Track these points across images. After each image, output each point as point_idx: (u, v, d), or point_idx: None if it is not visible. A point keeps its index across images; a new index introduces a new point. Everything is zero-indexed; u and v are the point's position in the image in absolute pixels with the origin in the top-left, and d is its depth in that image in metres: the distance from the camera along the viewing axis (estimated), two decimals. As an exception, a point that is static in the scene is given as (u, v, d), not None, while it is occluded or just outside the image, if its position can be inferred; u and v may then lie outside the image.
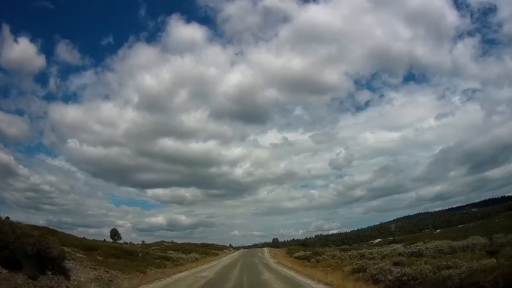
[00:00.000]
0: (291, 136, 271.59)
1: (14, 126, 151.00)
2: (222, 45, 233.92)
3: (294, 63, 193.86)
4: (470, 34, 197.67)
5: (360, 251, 29.70)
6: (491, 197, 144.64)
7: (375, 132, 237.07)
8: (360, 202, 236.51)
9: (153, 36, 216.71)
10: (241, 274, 18.64)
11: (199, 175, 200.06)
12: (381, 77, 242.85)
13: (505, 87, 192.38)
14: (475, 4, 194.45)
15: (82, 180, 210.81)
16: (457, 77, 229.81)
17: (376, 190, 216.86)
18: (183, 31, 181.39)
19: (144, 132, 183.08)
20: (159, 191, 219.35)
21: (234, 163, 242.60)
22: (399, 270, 12.96)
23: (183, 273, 20.01)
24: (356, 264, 20.10)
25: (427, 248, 23.63)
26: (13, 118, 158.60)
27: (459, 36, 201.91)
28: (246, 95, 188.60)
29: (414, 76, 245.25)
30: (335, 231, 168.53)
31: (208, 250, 54.98)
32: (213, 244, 76.15)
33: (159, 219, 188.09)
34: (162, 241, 76.98)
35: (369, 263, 19.36)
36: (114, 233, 44.14)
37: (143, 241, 73.85)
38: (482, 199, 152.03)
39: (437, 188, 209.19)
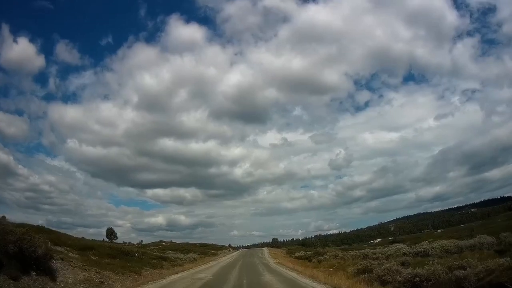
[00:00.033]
0: (290, 136, 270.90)
1: (14, 126, 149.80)
2: (221, 45, 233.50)
3: (294, 63, 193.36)
4: (469, 34, 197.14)
5: (363, 251, 28.95)
6: (491, 198, 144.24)
7: (374, 132, 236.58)
8: (359, 203, 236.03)
9: (153, 36, 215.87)
10: (240, 276, 17.79)
11: (199, 175, 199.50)
12: (381, 78, 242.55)
13: (505, 87, 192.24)
14: (474, 4, 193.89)
15: (82, 180, 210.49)
16: (457, 77, 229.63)
17: (375, 190, 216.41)
18: (183, 31, 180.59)
19: (144, 132, 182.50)
20: (159, 191, 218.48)
21: (233, 163, 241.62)
22: (409, 270, 12.17)
23: (179, 274, 19.14)
24: (361, 264, 19.37)
25: (433, 248, 22.89)
26: (13, 118, 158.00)
27: (459, 36, 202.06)
28: (245, 95, 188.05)
29: (414, 76, 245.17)
30: (334, 231, 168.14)
31: (207, 250, 54.20)
32: (212, 244, 75.46)
33: (159, 219, 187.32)
34: (161, 241, 76.27)
35: (374, 264, 18.63)
36: (110, 233, 43.17)
37: (141, 241, 73.22)
38: (482, 199, 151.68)
39: (436, 188, 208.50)
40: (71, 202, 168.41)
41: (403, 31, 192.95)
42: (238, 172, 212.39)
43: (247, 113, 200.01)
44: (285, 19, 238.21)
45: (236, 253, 61.72)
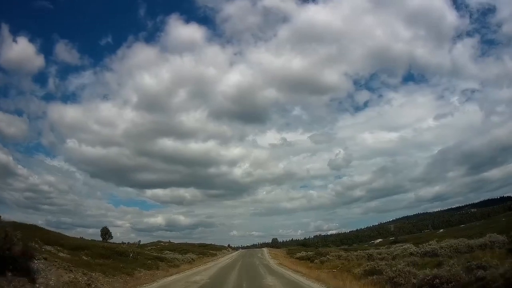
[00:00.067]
0: (290, 136, 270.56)
1: (13, 126, 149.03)
2: (221, 45, 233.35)
3: (294, 63, 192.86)
4: (469, 34, 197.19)
5: (367, 251, 27.95)
6: (490, 198, 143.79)
7: (374, 132, 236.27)
8: (359, 203, 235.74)
9: (152, 36, 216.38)
10: (239, 279, 16.54)
11: (198, 175, 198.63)
12: (380, 78, 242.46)
13: (504, 88, 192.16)
14: (474, 5, 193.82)
15: (81, 180, 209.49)
16: (456, 77, 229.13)
17: (375, 190, 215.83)
18: (182, 31, 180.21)
19: (143, 132, 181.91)
20: (158, 191, 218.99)
21: (233, 163, 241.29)
22: (428, 272, 11.17)
23: (174, 277, 17.90)
24: (367, 265, 18.33)
25: (442, 248, 21.88)
26: (12, 118, 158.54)
27: (458, 36, 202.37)
28: (245, 95, 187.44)
29: (413, 76, 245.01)
30: (334, 232, 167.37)
31: (206, 251, 53.15)
32: (211, 244, 74.39)
33: (158, 219, 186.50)
34: (159, 241, 75.22)
35: (381, 264, 17.61)
36: (105, 232, 41.92)
37: (139, 241, 72.16)
38: (481, 199, 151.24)
39: (436, 188, 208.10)
40: (71, 202, 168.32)
41: (403, 31, 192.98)
42: (238, 172, 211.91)
43: (247, 113, 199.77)
44: (284, 19, 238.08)
45: (235, 253, 60.65)
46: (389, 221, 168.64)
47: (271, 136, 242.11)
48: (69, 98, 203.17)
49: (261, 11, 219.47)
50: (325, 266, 24.56)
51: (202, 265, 28.68)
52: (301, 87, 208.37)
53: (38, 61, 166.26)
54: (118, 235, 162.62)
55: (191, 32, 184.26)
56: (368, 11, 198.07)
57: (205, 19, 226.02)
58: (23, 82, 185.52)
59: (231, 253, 63.03)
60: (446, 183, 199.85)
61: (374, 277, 15.37)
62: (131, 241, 68.90)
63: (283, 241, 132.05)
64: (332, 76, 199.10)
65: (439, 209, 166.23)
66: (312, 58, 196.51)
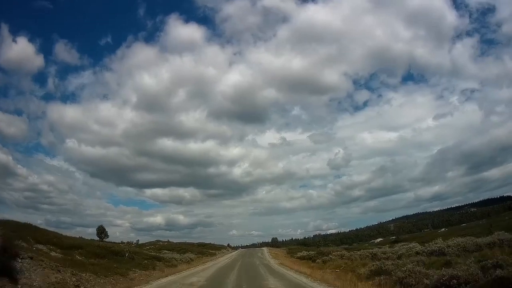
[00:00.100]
0: (289, 136, 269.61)
1: (13, 126, 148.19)
2: (220, 45, 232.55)
3: (293, 63, 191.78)
4: (469, 34, 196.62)
5: (371, 250, 27.23)
6: (490, 197, 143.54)
7: (373, 132, 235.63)
8: (358, 202, 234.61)
9: (152, 36, 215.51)
10: (239, 280, 15.60)
11: (198, 175, 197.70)
12: (380, 77, 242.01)
13: (504, 87, 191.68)
14: (474, 4, 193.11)
15: (81, 180, 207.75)
16: (456, 77, 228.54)
17: (374, 190, 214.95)
18: (182, 31, 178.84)
19: (143, 132, 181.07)
20: (158, 191, 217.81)
21: (232, 163, 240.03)
22: (444, 272, 10.44)
23: (169, 278, 16.82)
24: (373, 265, 17.58)
25: (449, 246, 21.14)
26: (12, 118, 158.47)
27: (458, 36, 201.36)
28: (245, 95, 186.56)
29: (413, 76, 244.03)
30: (333, 231, 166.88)
31: (205, 250, 52.41)
32: (210, 243, 73.63)
33: (158, 219, 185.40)
34: (158, 241, 74.60)
35: (387, 264, 16.87)
36: (101, 231, 40.95)
37: (137, 240, 71.45)
38: (481, 199, 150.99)
39: (435, 188, 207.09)
40: (70, 202, 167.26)
41: (403, 31, 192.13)
42: (237, 171, 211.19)
43: (246, 113, 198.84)
44: (284, 19, 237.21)
45: (235, 253, 59.91)
46: (389, 220, 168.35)
47: (270, 136, 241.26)
48: (69, 98, 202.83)
49: (261, 11, 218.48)
50: (327, 266, 23.84)
51: (200, 265, 27.73)
52: (300, 87, 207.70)
53: (38, 61, 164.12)
54: (118, 235, 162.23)
55: (190, 32, 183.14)
56: (368, 11, 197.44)
57: (205, 19, 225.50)
58: (23, 82, 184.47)
59: (231, 252, 62.28)
60: (446, 182, 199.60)
61: (382, 277, 14.65)
62: (131, 241, 68.41)
63: (282, 241, 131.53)
64: (332, 76, 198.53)
65: (438, 208, 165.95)
66: (311, 58, 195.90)
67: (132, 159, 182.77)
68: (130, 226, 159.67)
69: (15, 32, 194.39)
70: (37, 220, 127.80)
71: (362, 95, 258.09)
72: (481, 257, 14.54)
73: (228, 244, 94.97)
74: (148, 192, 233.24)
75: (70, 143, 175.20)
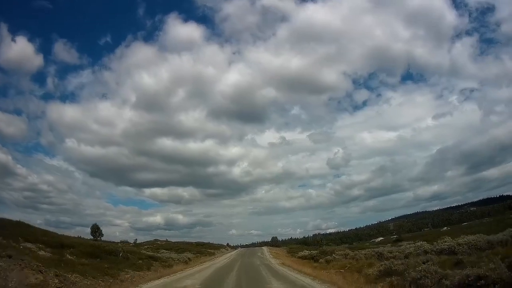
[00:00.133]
0: (289, 135, 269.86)
1: (12, 125, 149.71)
2: (220, 44, 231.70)
3: (293, 62, 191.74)
4: (468, 33, 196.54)
5: (376, 249, 26.28)
6: (489, 197, 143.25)
7: (372, 131, 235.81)
8: (357, 202, 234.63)
9: (151, 35, 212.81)
10: (238, 282, 14.45)
11: (197, 175, 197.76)
12: (379, 77, 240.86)
13: (503, 87, 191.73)
14: (473, 4, 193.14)
15: (80, 180, 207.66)
16: (455, 76, 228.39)
17: (374, 189, 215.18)
18: (181, 30, 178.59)
19: (142, 132, 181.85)
20: (157, 191, 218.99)
21: (232, 162, 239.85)
22: (468, 272, 9.46)
23: (161, 280, 15.55)
24: (382, 265, 16.58)
25: (459, 244, 20.17)
26: (11, 117, 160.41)
27: (457, 35, 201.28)
28: (244, 94, 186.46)
29: (412, 75, 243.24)
30: (332, 230, 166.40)
31: (203, 250, 51.43)
32: (208, 243, 72.69)
33: (157, 218, 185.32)
34: (156, 240, 73.71)
35: (397, 264, 15.89)
36: (95, 230, 39.72)
37: (135, 239, 70.56)
38: (480, 198, 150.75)
39: (435, 188, 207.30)
40: (70, 201, 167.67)
41: (402, 31, 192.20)
42: (236, 171, 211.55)
43: (246, 112, 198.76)
44: (283, 18, 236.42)
45: (234, 252, 58.88)
46: (388, 219, 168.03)
47: (270, 136, 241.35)
48: (68, 97, 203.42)
49: (260, 11, 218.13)
50: (331, 266, 22.88)
51: (198, 266, 26.42)
52: (300, 86, 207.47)
53: (37, 60, 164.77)
54: (117, 234, 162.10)
55: (190, 31, 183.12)
56: (367, 10, 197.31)
57: (204, 19, 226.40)
58: (22, 81, 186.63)
59: (230, 252, 61.26)
60: (445, 182, 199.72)
61: (393, 278, 13.67)
62: (130, 240, 67.53)
63: (282, 240, 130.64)
64: (331, 75, 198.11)
65: (438, 208, 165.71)
66: (311, 58, 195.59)
67: (131, 159, 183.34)
68: (129, 225, 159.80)
69: (14, 32, 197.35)
70: (36, 220, 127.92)
71: (362, 95, 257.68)
72: (495, 255, 13.63)
73: (228, 244, 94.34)
74: (148, 191, 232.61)
75: (70, 142, 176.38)
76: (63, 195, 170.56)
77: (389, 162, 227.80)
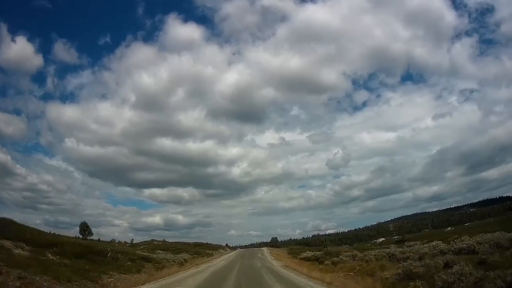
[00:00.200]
0: (288, 136, 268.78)
1: (12, 125, 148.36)
2: (219, 45, 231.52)
3: (292, 62, 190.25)
4: (468, 34, 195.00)
5: (387, 250, 24.69)
6: (489, 197, 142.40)
7: (372, 132, 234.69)
8: (356, 202, 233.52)
9: (151, 35, 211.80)
10: None
11: (197, 175, 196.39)
12: (379, 77, 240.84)
13: (503, 87, 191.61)
14: (473, 4, 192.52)
15: (79, 180, 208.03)
16: (455, 77, 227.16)
17: (373, 190, 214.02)
18: (181, 30, 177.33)
19: (141, 132, 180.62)
20: (156, 191, 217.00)
21: (231, 163, 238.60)
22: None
23: (145, 286, 13.22)
24: (400, 267, 14.91)
25: (479, 243, 18.59)
26: (11, 117, 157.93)
27: (457, 36, 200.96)
28: (243, 94, 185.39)
29: (412, 76, 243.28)
30: (332, 231, 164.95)
31: (201, 250, 49.64)
32: (207, 243, 70.94)
33: (156, 219, 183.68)
34: (153, 240, 72.26)
35: (416, 266, 14.27)
36: (84, 228, 37.67)
37: (132, 239, 69.19)
38: (479, 199, 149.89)
39: (434, 188, 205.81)
40: (69, 201, 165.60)
41: (402, 31, 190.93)
42: (236, 171, 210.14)
43: (245, 112, 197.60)
44: (283, 18, 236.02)
45: (233, 253, 57.08)
46: (387, 220, 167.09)
47: (269, 136, 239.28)
48: (68, 97, 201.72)
49: (260, 11, 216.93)
50: (339, 268, 21.19)
51: (193, 268, 24.14)
52: (299, 86, 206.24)
53: (37, 60, 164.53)
54: (116, 235, 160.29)
55: (189, 31, 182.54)
56: (366, 10, 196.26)
57: (204, 19, 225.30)
58: (22, 81, 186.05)
59: (229, 253, 59.47)
60: (444, 183, 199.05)
61: (417, 282, 12.00)
62: (129, 241, 66.03)
63: (281, 241, 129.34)
64: (331, 75, 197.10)
65: (437, 208, 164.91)
66: (310, 58, 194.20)
67: (130, 159, 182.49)
68: (128, 226, 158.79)
69: (14, 32, 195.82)
70: (35, 220, 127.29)
71: (361, 95, 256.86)
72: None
73: (226, 244, 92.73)
74: (147, 192, 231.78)
75: (69, 142, 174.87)
76: (62, 195, 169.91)
77: (388, 162, 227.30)
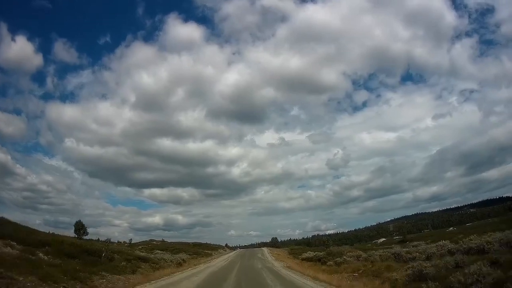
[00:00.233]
0: (288, 136, 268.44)
1: (12, 125, 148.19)
2: (219, 45, 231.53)
3: (292, 62, 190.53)
4: (468, 34, 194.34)
5: (392, 250, 24.00)
6: (489, 198, 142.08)
7: (372, 132, 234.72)
8: (356, 203, 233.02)
9: (151, 35, 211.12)
10: None
11: (196, 175, 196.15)
12: (379, 77, 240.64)
13: (503, 88, 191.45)
14: (473, 5, 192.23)
15: (79, 180, 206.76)
16: (455, 77, 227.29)
17: (373, 190, 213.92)
18: (181, 30, 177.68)
19: (141, 132, 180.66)
20: (156, 191, 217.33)
21: (231, 163, 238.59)
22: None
23: None
24: (409, 267, 14.23)
25: (489, 243, 17.90)
26: (11, 117, 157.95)
27: (457, 36, 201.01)
28: (243, 94, 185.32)
29: (412, 76, 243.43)
30: (331, 231, 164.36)
31: (200, 250, 48.91)
32: (206, 243, 70.21)
33: (156, 219, 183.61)
34: (151, 240, 71.83)
35: (427, 266, 13.57)
36: (79, 227, 36.77)
37: (130, 239, 68.54)
38: (479, 199, 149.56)
39: (434, 188, 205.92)
40: (69, 201, 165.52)
41: (402, 31, 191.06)
42: (236, 171, 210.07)
43: (245, 112, 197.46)
44: (283, 18, 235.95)
45: (233, 253, 56.31)
46: (387, 221, 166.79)
47: (269, 136, 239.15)
48: (68, 97, 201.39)
49: (260, 11, 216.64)
50: (343, 269, 20.50)
51: (190, 269, 23.26)
52: (299, 86, 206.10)
53: (37, 60, 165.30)
54: (116, 235, 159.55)
55: (189, 31, 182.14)
56: (366, 10, 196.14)
57: (204, 19, 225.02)
58: (22, 81, 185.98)
59: (228, 253, 58.69)
60: (444, 183, 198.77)
61: (430, 284, 11.28)
62: (128, 241, 65.28)
63: (281, 241, 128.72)
64: (331, 75, 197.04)
65: (437, 209, 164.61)
66: (310, 58, 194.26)
67: (130, 159, 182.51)
68: (128, 226, 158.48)
69: (14, 31, 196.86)
70: (35, 220, 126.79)
71: (361, 95, 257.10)
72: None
73: (226, 244, 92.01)
74: (147, 192, 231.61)
75: (69, 142, 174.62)
76: (62, 195, 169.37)
77: (388, 163, 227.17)
